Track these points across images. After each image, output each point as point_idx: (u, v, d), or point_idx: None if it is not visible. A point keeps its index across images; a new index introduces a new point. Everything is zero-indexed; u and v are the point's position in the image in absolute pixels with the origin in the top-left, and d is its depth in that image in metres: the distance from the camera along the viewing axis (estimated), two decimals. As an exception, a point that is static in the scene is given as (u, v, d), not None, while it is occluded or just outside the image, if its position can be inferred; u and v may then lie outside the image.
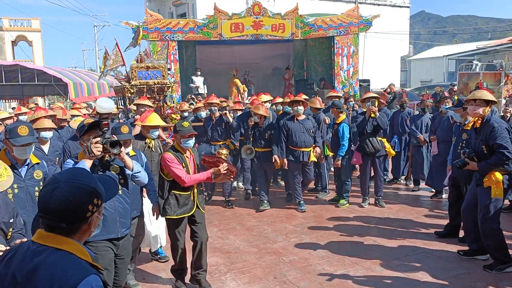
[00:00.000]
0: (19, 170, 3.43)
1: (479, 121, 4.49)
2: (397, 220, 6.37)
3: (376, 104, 6.89)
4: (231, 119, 7.37)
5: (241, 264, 4.94)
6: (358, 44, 14.69)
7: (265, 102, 8.35)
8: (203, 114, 8.01)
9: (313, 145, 7.01)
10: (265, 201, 7.10)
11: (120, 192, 3.40)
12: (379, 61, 24.78)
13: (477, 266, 4.63)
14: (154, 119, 5.05)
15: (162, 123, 5.40)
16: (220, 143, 7.51)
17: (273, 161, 6.92)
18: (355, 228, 6.03)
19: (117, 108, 8.92)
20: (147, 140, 5.09)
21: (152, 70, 8.41)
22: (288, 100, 7.86)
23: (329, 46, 15.00)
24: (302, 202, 6.97)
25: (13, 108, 16.80)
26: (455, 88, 14.47)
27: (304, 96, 7.69)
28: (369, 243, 5.47)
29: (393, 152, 7.47)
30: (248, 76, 16.12)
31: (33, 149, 3.55)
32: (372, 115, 6.71)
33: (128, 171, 3.48)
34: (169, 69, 8.77)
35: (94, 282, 1.42)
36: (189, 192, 4.19)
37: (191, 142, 4.22)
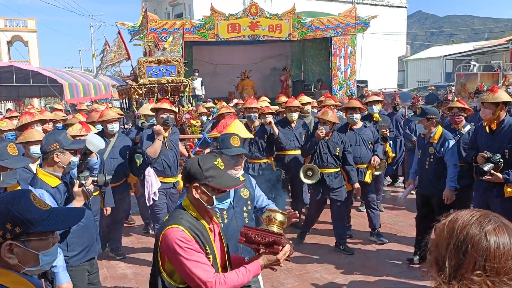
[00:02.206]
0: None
1: (494, 124, 4.13)
2: (396, 224, 6.29)
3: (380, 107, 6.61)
4: (276, 130, 5.87)
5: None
6: (355, 45, 14.62)
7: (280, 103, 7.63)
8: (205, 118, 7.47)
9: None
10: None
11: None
12: (376, 61, 24.71)
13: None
14: (237, 128, 3.95)
15: (248, 134, 4.37)
16: (262, 161, 5.98)
17: (353, 189, 5.42)
18: (354, 234, 5.95)
19: (123, 110, 7.48)
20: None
21: (164, 65, 6.78)
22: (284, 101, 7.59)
23: (327, 46, 14.91)
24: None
25: (8, 110, 16.65)
26: (453, 88, 14.45)
27: (307, 98, 7.18)
28: (368, 249, 5.39)
29: (393, 155, 7.39)
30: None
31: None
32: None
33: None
34: (185, 63, 7.08)
35: None
36: None
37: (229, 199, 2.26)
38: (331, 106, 6.33)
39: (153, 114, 5.47)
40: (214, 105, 9.30)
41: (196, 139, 6.45)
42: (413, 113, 8.05)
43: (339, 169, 5.33)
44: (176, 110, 5.44)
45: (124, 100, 7.87)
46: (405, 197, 5.67)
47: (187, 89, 6.99)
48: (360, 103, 6.03)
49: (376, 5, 29.92)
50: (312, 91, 14.13)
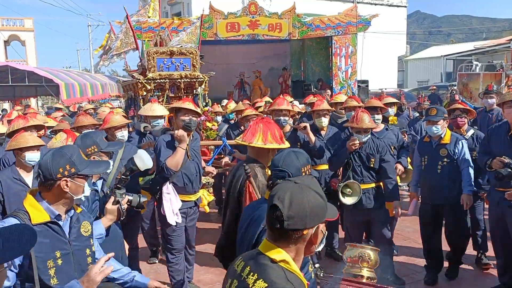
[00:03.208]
0: (61, 225, 2.23)
1: None
2: (404, 231, 6.08)
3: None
4: (313, 137, 4.78)
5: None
6: (356, 44, 14.43)
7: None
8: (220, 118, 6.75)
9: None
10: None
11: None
12: (376, 61, 24.56)
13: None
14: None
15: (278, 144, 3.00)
16: None
17: (394, 210, 4.41)
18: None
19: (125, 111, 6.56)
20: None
21: (178, 57, 5.85)
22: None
23: (327, 46, 14.72)
24: None
25: (2, 110, 16.40)
26: (455, 88, 14.25)
27: (343, 97, 6.24)
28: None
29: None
30: (244, 76, 15.86)
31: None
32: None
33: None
34: (201, 57, 6.18)
35: None
36: None
37: None
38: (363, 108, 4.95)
39: (158, 116, 4.93)
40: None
41: (213, 146, 5.56)
42: (418, 114, 7.84)
43: (377, 183, 4.36)
44: (200, 111, 4.46)
45: (128, 98, 6.94)
46: (412, 213, 5.21)
47: (202, 86, 6.07)
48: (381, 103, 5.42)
49: (376, 4, 29.76)
50: (312, 92, 13.93)
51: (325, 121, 5.12)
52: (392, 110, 5.91)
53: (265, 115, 5.30)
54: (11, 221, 2.08)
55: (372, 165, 4.27)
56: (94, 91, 18.03)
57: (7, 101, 22.06)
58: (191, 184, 4.22)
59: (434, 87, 16.40)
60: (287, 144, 2.90)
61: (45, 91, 17.51)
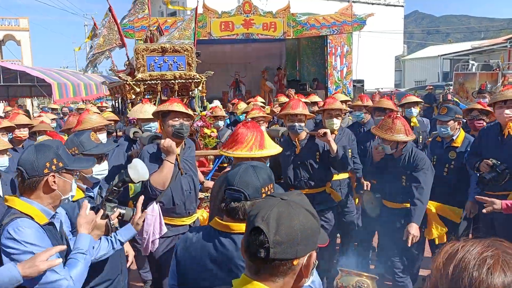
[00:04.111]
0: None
1: None
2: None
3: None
4: (334, 146, 3.91)
5: None
6: (351, 44, 14.31)
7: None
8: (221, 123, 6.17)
9: None
10: None
11: None
12: (373, 61, 24.46)
13: None
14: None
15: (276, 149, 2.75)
16: (316, 190, 4.04)
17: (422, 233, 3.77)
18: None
19: (117, 113, 5.85)
20: None
21: (170, 55, 5.10)
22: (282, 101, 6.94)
23: (322, 45, 14.60)
24: None
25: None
26: (451, 88, 14.17)
27: (342, 96, 5.83)
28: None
29: None
30: (239, 76, 15.74)
31: None
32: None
33: None
34: (198, 54, 5.51)
35: None
36: None
37: None
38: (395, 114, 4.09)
39: (150, 119, 4.08)
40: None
41: (213, 156, 4.89)
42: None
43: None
44: (192, 113, 3.69)
45: (116, 101, 6.17)
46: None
47: (199, 88, 5.29)
48: (394, 104, 5.00)
49: (372, 3, 29.67)
50: (307, 91, 13.82)
51: (337, 122, 4.39)
52: (416, 110, 5.35)
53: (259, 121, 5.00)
54: (30, 224, 1.91)
55: (403, 184, 3.70)
56: (88, 91, 17.87)
57: (1, 102, 21.90)
58: (183, 204, 3.39)
59: (431, 87, 16.30)
60: (275, 150, 2.61)
61: (38, 91, 17.34)
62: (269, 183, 1.83)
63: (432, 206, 3.86)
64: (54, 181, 2.00)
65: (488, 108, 4.64)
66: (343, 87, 14.29)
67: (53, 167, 1.99)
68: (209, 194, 4.01)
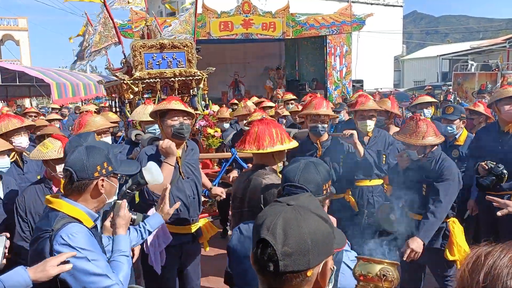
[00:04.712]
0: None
1: None
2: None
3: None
4: (361, 149, 3.67)
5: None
6: (351, 44, 14.33)
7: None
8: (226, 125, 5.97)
9: None
10: None
11: None
12: (372, 61, 24.47)
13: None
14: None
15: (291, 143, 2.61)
16: (336, 197, 3.75)
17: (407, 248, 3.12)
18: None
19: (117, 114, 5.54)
20: None
21: (169, 51, 4.77)
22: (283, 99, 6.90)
23: (322, 45, 14.61)
24: None
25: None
26: (451, 88, 14.16)
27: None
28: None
29: None
30: (239, 76, 15.75)
31: None
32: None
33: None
34: (198, 50, 5.12)
35: None
36: None
37: None
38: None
39: (154, 121, 3.66)
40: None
41: (221, 159, 4.64)
42: (411, 114, 7.69)
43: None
44: (193, 111, 3.44)
45: (113, 101, 5.82)
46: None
47: (201, 85, 5.00)
48: (394, 106, 4.81)
49: (371, 4, 29.67)
50: (307, 91, 13.83)
51: (371, 124, 3.97)
52: (429, 112, 5.19)
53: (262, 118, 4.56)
54: (81, 229, 1.89)
55: (424, 193, 3.31)
56: (87, 91, 17.83)
57: (0, 101, 21.86)
58: (187, 210, 3.15)
59: (430, 87, 16.29)
60: (293, 144, 2.53)
61: (37, 91, 17.31)
62: (328, 180, 1.78)
63: (456, 224, 3.37)
64: (103, 185, 1.98)
65: (482, 111, 4.69)
66: (343, 87, 14.30)
67: (104, 171, 1.97)
68: (212, 199, 4.02)
